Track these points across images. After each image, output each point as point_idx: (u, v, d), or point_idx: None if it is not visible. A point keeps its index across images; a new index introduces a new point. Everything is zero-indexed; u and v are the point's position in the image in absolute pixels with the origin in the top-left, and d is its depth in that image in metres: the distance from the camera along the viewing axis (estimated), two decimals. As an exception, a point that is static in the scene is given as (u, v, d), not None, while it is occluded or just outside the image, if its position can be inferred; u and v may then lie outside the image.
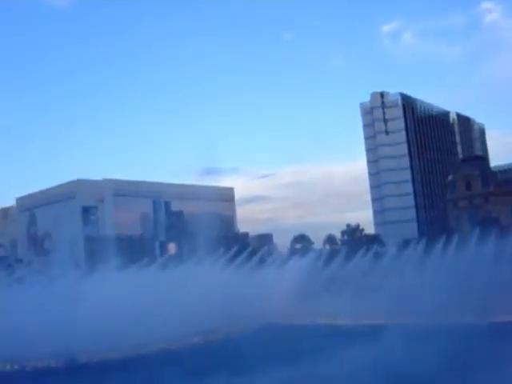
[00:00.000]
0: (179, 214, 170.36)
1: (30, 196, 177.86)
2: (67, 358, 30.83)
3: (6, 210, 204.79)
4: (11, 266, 70.75)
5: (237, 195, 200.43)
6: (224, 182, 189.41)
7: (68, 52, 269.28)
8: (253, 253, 55.07)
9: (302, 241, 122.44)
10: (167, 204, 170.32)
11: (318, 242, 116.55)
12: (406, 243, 66.60)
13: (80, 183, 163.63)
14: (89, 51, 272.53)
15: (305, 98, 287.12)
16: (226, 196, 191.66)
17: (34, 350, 32.33)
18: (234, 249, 54.52)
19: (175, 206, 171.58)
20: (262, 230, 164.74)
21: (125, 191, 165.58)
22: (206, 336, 35.96)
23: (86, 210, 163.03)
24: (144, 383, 23.98)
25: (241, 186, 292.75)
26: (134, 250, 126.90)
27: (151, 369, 27.94)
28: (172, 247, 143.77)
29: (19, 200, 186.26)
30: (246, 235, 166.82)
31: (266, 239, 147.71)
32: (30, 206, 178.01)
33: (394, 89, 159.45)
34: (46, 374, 29.53)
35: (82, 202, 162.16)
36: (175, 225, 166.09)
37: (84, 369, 29.95)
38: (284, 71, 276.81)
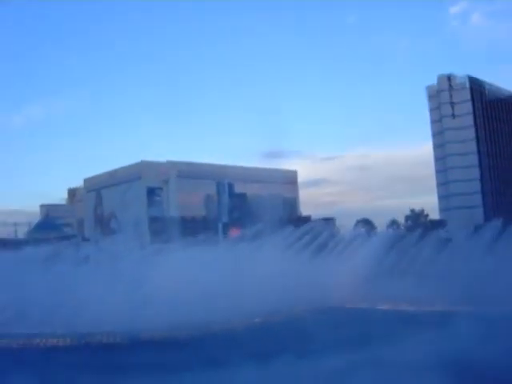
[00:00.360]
0: (242, 196, 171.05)
1: (97, 177, 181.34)
2: (131, 335, 31.21)
3: (73, 191, 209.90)
4: (78, 245, 72.67)
5: (300, 178, 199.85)
6: (287, 165, 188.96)
7: (135, 34, 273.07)
8: (315, 236, 54.52)
9: (365, 225, 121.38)
10: (230, 186, 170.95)
11: (381, 226, 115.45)
12: (473, 229, 64.84)
13: (145, 165, 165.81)
14: (156, 35, 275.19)
15: (370, 81, 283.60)
16: (290, 179, 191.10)
17: (100, 326, 32.98)
18: (297, 231, 54.04)
19: (238, 188, 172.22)
20: (325, 213, 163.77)
21: (189, 173, 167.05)
22: (268, 317, 35.84)
23: (151, 191, 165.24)
24: (206, 363, 23.95)
25: (304, 168, 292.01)
26: (198, 231, 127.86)
27: (213, 349, 27.97)
28: (235, 229, 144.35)
29: (86, 181, 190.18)
30: (308, 218, 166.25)
31: (328, 223, 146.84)
32: (97, 186, 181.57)
33: (461, 71, 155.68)
34: (110, 348, 29.98)
35: (147, 183, 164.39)
36: (238, 207, 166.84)
37: (147, 345, 30.28)
38: (349, 54, 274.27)
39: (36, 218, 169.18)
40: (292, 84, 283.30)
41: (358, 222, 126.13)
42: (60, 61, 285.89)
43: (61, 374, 23.87)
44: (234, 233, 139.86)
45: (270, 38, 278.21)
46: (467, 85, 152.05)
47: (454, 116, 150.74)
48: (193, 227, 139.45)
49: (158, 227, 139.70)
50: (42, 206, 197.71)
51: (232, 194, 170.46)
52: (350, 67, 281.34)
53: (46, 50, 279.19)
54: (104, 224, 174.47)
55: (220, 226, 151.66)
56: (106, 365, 25.59)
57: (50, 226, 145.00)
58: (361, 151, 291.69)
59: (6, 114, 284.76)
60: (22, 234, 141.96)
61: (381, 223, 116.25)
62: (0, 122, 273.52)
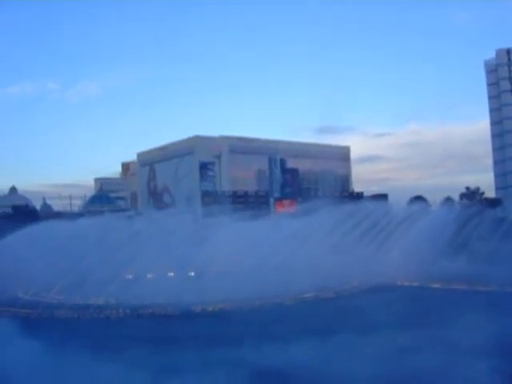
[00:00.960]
0: (294, 171, 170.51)
1: (150, 151, 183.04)
2: (183, 307, 31.49)
3: (127, 165, 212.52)
4: (132, 219, 73.57)
5: (353, 154, 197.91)
6: (340, 141, 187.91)
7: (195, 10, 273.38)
8: (368, 213, 53.84)
9: (418, 202, 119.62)
10: (283, 161, 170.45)
11: (435, 204, 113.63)
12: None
13: (198, 139, 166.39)
14: (212, 8, 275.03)
15: (426, 56, 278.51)
16: (342, 155, 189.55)
17: (152, 299, 33.45)
18: (349, 207, 53.48)
19: (290, 164, 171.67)
20: (378, 190, 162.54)
21: (241, 148, 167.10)
22: (318, 293, 35.66)
23: (204, 166, 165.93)
24: (256, 336, 23.99)
25: (357, 144, 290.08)
26: (250, 205, 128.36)
27: (265, 323, 28.00)
28: (287, 204, 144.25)
29: (140, 155, 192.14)
30: (360, 195, 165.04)
31: (381, 199, 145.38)
32: (150, 160, 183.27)
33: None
34: (162, 320, 30.32)
35: (200, 157, 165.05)
36: (290, 182, 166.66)
37: (198, 318, 30.53)
38: (406, 28, 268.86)
39: (90, 192, 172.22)
40: (346, 59, 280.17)
41: (412, 199, 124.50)
42: (114, 37, 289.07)
43: (113, 345, 24.25)
44: (286, 208, 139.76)
45: (327, 16, 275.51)
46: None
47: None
48: (244, 202, 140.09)
49: (210, 201, 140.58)
50: (96, 180, 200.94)
51: (284, 170, 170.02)
52: (406, 42, 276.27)
53: (100, 26, 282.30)
54: (157, 198, 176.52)
55: (272, 200, 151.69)
56: (158, 336, 25.88)
57: (104, 199, 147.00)
58: (415, 127, 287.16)
59: (62, 89, 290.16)
60: (76, 207, 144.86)
61: (435, 201, 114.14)
62: (56, 97, 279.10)
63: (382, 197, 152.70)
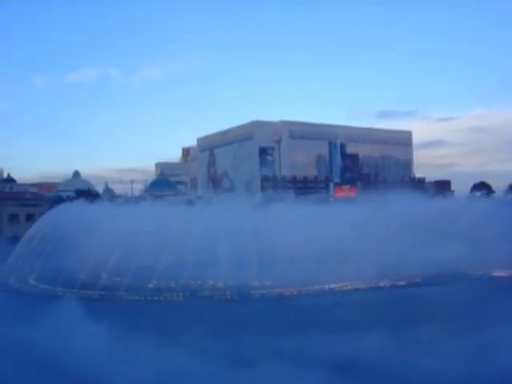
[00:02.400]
0: (354, 156, 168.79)
1: (210, 136, 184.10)
2: (243, 291, 31.18)
3: (187, 150, 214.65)
4: (192, 203, 74.03)
5: (415, 139, 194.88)
6: (401, 126, 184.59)
7: None
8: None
9: (481, 188, 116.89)
10: (342, 146, 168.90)
11: (499, 190, 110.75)
12: None
13: (258, 124, 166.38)
14: None
15: (492, 39, 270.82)
16: (403, 140, 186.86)
17: (213, 282, 33.26)
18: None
19: (351, 149, 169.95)
20: (440, 175, 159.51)
21: (301, 133, 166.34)
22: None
23: (263, 151, 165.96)
24: (318, 324, 23.35)
25: (419, 129, 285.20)
26: (309, 191, 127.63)
27: (325, 309, 27.34)
28: (346, 189, 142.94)
29: (200, 140, 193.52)
30: (422, 180, 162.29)
31: (443, 185, 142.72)
32: (210, 145, 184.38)
33: None
34: (220, 304, 30.07)
35: (260, 142, 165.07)
36: (350, 167, 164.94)
37: (258, 302, 30.14)
38: (472, 10, 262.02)
39: (151, 176, 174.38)
40: (408, 42, 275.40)
41: (475, 185, 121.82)
42: (175, 21, 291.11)
43: (173, 328, 24.06)
44: (346, 193, 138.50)
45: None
46: None
47: None
48: (304, 187, 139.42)
49: (269, 186, 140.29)
50: (157, 165, 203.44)
51: (344, 155, 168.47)
52: (472, 24, 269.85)
53: (161, 11, 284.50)
54: (216, 182, 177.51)
55: (331, 186, 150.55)
56: (216, 320, 25.61)
57: (165, 183, 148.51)
58: (479, 112, 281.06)
59: (125, 75, 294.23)
60: (138, 191, 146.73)
61: (499, 187, 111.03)
62: (118, 83, 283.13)
63: (445, 183, 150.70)
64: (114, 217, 40.27)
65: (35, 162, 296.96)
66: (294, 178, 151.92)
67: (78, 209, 42.82)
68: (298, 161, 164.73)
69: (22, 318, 24.86)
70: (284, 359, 18.01)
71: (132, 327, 23.36)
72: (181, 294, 31.73)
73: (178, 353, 18.78)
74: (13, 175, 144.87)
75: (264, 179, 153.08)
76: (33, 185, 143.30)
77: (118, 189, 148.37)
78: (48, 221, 42.99)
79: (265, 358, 18.09)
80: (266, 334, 21.79)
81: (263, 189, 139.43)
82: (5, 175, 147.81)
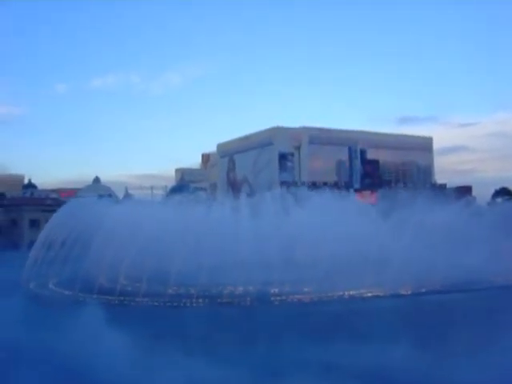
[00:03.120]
0: (375, 162, 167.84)
1: (230, 142, 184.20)
2: (262, 297, 30.89)
3: (207, 156, 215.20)
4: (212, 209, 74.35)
5: (436, 145, 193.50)
6: (422, 131, 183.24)
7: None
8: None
9: (503, 194, 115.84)
10: (363, 152, 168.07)
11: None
12: None
13: (278, 130, 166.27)
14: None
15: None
16: (424, 145, 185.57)
17: (233, 287, 33.02)
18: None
19: (371, 155, 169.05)
20: (462, 181, 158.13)
21: (320, 139, 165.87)
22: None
23: (283, 157, 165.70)
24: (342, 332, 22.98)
25: (440, 135, 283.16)
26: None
27: (345, 316, 26.93)
28: (367, 195, 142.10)
29: (220, 146, 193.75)
30: (443, 186, 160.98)
31: (464, 191, 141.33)
32: (230, 151, 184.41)
33: None
34: (240, 310, 29.80)
35: (280, 148, 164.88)
36: (370, 173, 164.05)
37: (276, 309, 29.84)
38: (494, 12, 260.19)
39: (171, 182, 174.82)
40: (428, 47, 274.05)
41: (497, 191, 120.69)
42: (196, 27, 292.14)
43: (193, 334, 23.84)
44: (366, 199, 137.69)
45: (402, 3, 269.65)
46: None
47: None
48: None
49: (290, 193, 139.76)
50: (177, 170, 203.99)
51: (364, 161, 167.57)
52: (493, 27, 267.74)
53: (182, 18, 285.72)
54: (236, 188, 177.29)
55: (352, 191, 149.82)
56: (238, 327, 25.37)
57: (185, 189, 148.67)
58: (501, 117, 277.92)
59: (145, 81, 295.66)
60: (158, 197, 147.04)
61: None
62: (139, 89, 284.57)
63: (466, 189, 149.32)
64: (131, 220, 40.17)
65: (56, 167, 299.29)
66: (314, 183, 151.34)
67: (94, 210, 42.59)
68: (318, 167, 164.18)
69: (46, 324, 24.92)
70: (309, 368, 17.71)
71: (154, 334, 23.23)
72: (200, 300, 31.49)
73: (202, 360, 18.52)
74: (34, 181, 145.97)
75: (284, 185, 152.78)
76: (53, 190, 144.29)
77: (138, 195, 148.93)
78: (63, 224, 42.87)
79: (289, 367, 17.81)
80: (289, 341, 21.46)
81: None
82: (26, 181, 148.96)
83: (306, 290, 32.09)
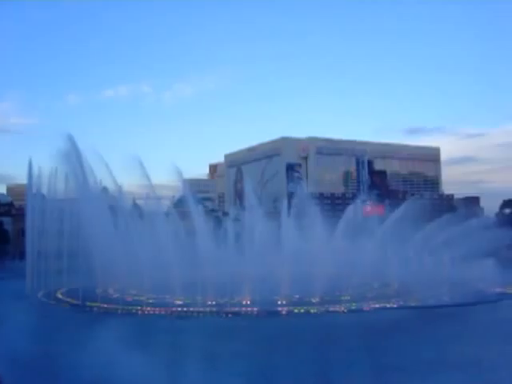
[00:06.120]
0: (382, 173, 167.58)
1: (237, 153, 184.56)
2: (268, 307, 30.99)
3: (214, 166, 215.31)
4: (219, 219, 73.86)
5: (443, 155, 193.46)
6: (430, 142, 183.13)
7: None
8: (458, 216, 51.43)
9: (511, 206, 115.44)
10: (370, 163, 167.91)
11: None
12: None
13: (285, 141, 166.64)
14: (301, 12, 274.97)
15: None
16: (431, 156, 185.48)
17: (238, 298, 33.13)
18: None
19: (378, 165, 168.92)
20: (469, 192, 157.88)
21: (328, 149, 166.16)
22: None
23: (291, 167, 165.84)
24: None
25: (448, 145, 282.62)
26: (336, 207, 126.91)
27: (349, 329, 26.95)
28: (375, 206, 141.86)
29: (227, 156, 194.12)
30: (451, 197, 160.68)
31: (472, 202, 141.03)
32: (237, 162, 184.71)
33: None
34: (247, 321, 29.79)
35: (287, 159, 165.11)
36: (378, 184, 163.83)
37: (283, 319, 29.87)
38: (495, 26, 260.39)
39: (178, 193, 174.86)
40: (436, 58, 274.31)
41: (505, 202, 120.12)
42: (205, 41, 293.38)
43: (199, 343, 23.84)
44: (374, 211, 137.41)
45: (418, 12, 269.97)
46: None
47: None
48: (331, 203, 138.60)
49: (297, 203, 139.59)
50: (184, 181, 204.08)
51: (371, 171, 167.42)
52: (503, 37, 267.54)
53: (194, 30, 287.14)
54: (244, 199, 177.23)
55: (359, 202, 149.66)
56: (245, 337, 25.42)
57: (192, 200, 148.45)
58: (508, 128, 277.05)
59: (155, 92, 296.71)
60: (165, 207, 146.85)
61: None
62: (148, 100, 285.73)
63: (474, 199, 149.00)
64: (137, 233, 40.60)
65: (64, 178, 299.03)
66: (321, 194, 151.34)
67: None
68: (325, 177, 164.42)
69: (54, 333, 25.09)
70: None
71: (160, 342, 23.25)
72: (208, 309, 31.60)
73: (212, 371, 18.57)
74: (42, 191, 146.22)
75: (291, 195, 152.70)
76: (60, 201, 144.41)
77: (145, 205, 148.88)
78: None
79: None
80: (298, 352, 21.48)
81: (290, 205, 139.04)
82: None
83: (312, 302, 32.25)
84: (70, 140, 40.39)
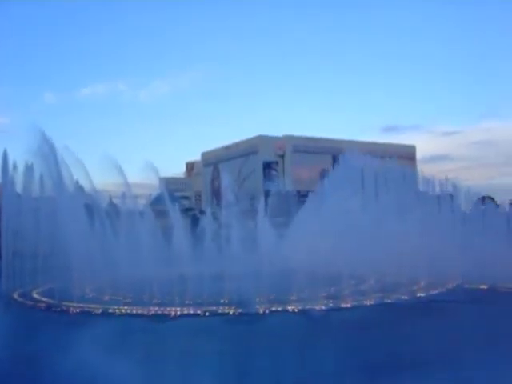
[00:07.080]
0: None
1: (214, 151, 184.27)
2: (247, 307, 30.91)
3: (191, 165, 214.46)
4: (196, 217, 73.91)
5: (419, 154, 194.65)
6: (406, 140, 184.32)
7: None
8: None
9: (486, 203, 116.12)
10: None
11: (504, 205, 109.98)
12: None
13: (262, 139, 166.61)
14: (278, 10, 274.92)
15: (499, 51, 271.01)
16: (407, 154, 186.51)
17: (217, 297, 33.02)
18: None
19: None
20: (445, 190, 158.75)
21: (305, 147, 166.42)
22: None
23: (268, 166, 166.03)
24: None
25: (423, 144, 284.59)
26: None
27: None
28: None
29: (204, 154, 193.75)
30: (426, 194, 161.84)
31: (448, 199, 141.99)
32: (214, 160, 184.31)
33: None
34: (228, 320, 29.68)
35: (264, 157, 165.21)
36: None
37: (265, 319, 29.81)
38: (472, 22, 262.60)
39: (155, 191, 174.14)
40: (410, 55, 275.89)
41: (479, 199, 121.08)
42: (181, 39, 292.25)
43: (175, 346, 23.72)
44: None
45: (396, 14, 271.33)
46: None
47: None
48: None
49: (274, 201, 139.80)
50: (161, 179, 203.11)
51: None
52: (481, 35, 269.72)
53: (169, 27, 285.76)
54: (220, 197, 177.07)
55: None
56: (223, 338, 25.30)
57: (169, 198, 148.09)
58: (485, 125, 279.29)
59: (131, 90, 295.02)
60: (141, 206, 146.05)
61: (504, 202, 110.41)
62: (124, 98, 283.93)
63: (449, 197, 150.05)
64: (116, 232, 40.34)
65: (39, 176, 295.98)
66: (298, 192, 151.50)
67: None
68: (302, 175, 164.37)
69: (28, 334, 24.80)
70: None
71: (136, 344, 23.02)
72: (184, 309, 31.46)
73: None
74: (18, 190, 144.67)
75: (268, 194, 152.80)
76: (35, 199, 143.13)
77: (121, 203, 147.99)
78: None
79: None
80: (282, 353, 21.36)
81: (267, 203, 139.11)
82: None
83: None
84: (44, 138, 39.72)
